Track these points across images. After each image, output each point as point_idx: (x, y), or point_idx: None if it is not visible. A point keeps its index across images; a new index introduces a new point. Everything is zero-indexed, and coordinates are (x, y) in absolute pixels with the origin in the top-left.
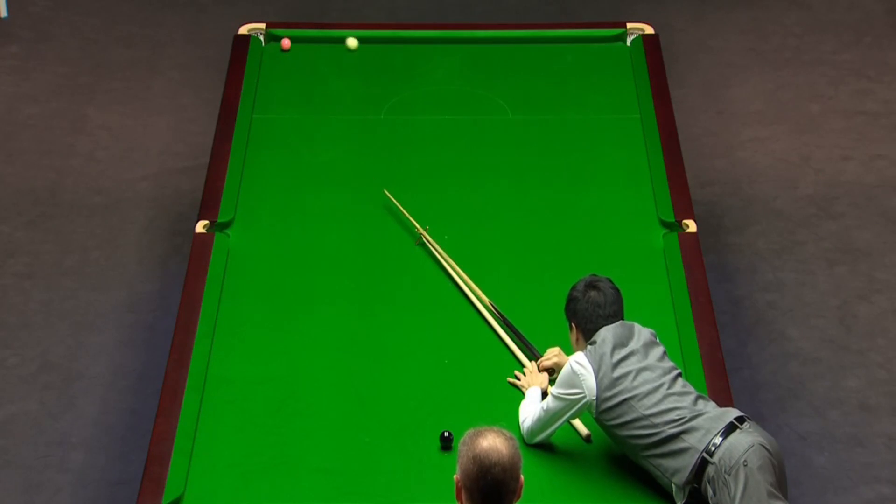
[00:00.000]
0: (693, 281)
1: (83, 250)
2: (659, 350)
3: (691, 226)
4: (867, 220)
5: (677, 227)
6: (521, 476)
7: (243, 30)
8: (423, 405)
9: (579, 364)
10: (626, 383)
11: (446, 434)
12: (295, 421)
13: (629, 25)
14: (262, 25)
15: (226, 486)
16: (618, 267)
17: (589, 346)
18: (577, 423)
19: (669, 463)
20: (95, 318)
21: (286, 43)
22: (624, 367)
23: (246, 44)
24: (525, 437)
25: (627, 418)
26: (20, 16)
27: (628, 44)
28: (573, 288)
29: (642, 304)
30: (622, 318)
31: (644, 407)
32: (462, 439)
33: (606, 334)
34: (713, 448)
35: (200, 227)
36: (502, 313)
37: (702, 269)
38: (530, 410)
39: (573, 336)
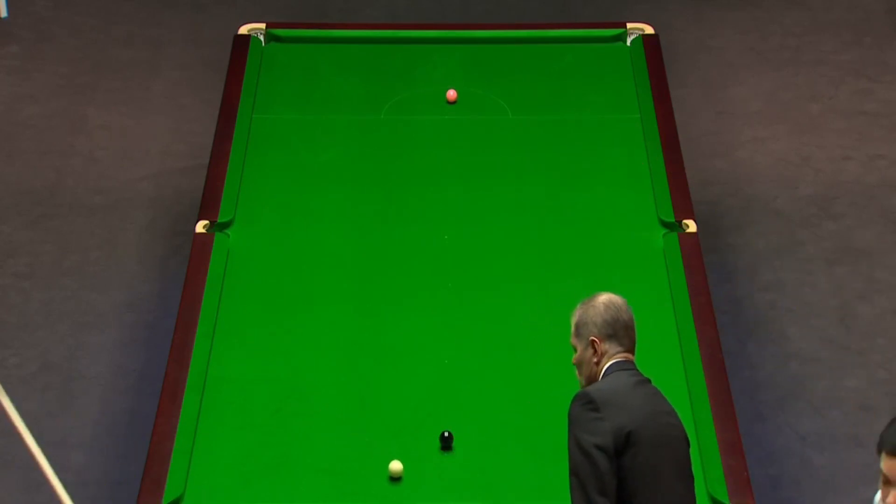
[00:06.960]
0: (693, 281)
1: (83, 250)
2: None
3: (691, 226)
4: (867, 220)
5: (677, 227)
6: None
7: (243, 30)
8: (423, 405)
9: None
10: None
11: (446, 434)
12: (295, 421)
13: (629, 25)
14: (262, 25)
15: (226, 486)
16: (618, 267)
17: None
18: None
19: None
20: (95, 318)
21: (452, 94)
22: None
23: (246, 44)
24: None
25: None
26: (20, 16)
27: (628, 44)
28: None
29: (642, 304)
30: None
31: None
32: (580, 310)
33: None
34: None
35: (200, 227)
36: None
37: (702, 269)
38: None
39: None
